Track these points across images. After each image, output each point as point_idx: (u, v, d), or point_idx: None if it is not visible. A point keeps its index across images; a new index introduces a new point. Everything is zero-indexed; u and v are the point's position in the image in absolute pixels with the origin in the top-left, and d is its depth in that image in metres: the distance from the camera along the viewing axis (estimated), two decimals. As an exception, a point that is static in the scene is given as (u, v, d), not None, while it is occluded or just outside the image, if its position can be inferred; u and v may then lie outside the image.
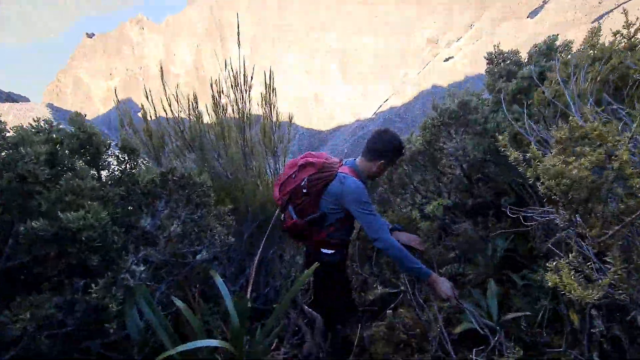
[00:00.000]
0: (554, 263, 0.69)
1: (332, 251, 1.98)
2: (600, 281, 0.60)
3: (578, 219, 0.73)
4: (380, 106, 42.50)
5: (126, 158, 1.40)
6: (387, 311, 2.47)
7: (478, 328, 1.75)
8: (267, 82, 2.32)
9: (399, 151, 1.97)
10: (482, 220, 2.44)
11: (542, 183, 0.71)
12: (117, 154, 1.38)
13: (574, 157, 0.69)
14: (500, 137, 0.92)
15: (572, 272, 0.64)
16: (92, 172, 1.32)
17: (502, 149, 0.90)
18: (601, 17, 35.41)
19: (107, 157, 1.37)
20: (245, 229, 2.31)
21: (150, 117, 2.35)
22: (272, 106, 2.41)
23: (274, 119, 2.45)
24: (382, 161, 1.92)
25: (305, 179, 1.87)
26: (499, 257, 2.13)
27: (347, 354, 2.31)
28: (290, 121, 2.49)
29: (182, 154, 2.40)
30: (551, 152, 0.83)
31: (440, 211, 1.96)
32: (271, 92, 2.37)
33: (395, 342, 2.11)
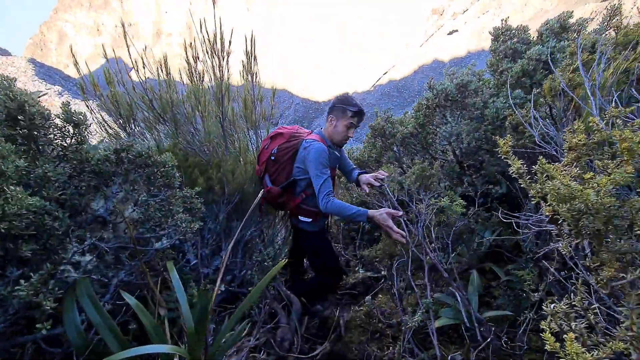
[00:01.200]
0: (552, 306, 0.57)
1: (310, 219, 2.10)
2: (607, 343, 0.48)
3: (587, 249, 0.61)
4: (379, 79, 41.36)
5: (71, 131, 1.21)
6: (366, 297, 2.43)
7: (457, 323, 1.70)
8: (249, 48, 2.08)
9: (344, 103, 2.02)
10: (471, 211, 2.34)
11: (550, 205, 0.57)
12: (60, 126, 1.19)
13: (590, 173, 0.55)
14: (500, 141, 0.76)
15: (575, 324, 0.52)
16: (26, 148, 1.13)
17: (502, 156, 0.74)
18: (613, -5, 33.94)
19: (48, 131, 1.18)
20: (220, 210, 2.17)
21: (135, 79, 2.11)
22: (254, 75, 2.18)
23: (257, 90, 2.23)
24: (331, 115, 2.05)
25: (275, 149, 2.03)
26: (485, 249, 2.06)
27: (323, 338, 2.28)
28: (274, 93, 2.27)
29: (153, 126, 2.19)
30: (560, 160, 0.69)
31: (459, 208, 1.83)
32: (252, 59, 2.13)
33: (371, 331, 2.08)
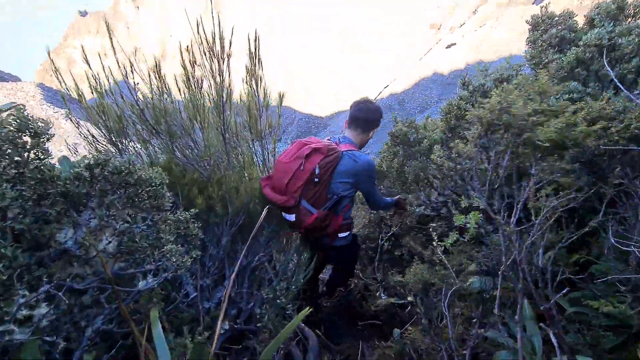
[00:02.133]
0: None
1: (347, 233, 2.04)
2: None
3: None
4: (380, 92, 41.69)
5: (28, 144, 0.94)
6: (395, 331, 2.09)
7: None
8: (252, 49, 1.84)
9: (380, 116, 2.07)
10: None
11: None
12: (14, 138, 0.92)
13: None
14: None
15: None
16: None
17: None
18: (609, 4, 34.30)
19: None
20: (223, 232, 1.88)
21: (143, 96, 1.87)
22: (259, 80, 1.94)
23: (261, 96, 1.98)
24: (375, 129, 2.06)
25: (316, 167, 1.81)
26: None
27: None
28: (281, 100, 2.02)
29: (147, 140, 1.94)
30: None
31: (475, 220, 1.53)
32: (257, 61, 1.89)
33: (405, 375, 1.74)
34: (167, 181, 1.19)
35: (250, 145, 2.21)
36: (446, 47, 44.21)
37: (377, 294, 2.59)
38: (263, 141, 2.18)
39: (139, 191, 1.12)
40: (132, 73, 1.73)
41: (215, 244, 1.90)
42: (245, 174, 2.22)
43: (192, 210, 1.33)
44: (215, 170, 2.02)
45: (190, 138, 2.04)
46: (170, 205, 1.28)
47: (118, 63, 1.84)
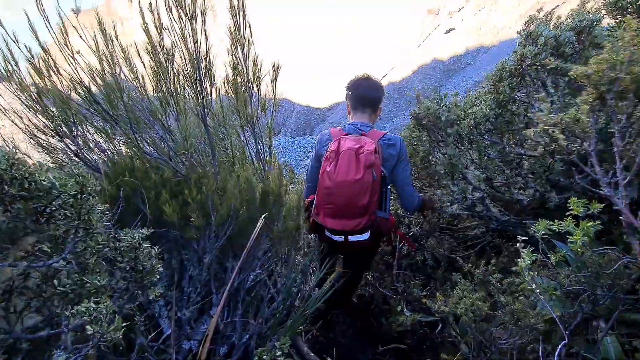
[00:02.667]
0: None
1: (385, 211, 1.81)
2: None
3: None
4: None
5: None
6: (429, 363, 1.66)
7: None
8: (235, 4, 1.37)
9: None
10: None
11: None
12: None
13: None
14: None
15: None
16: None
17: None
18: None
19: None
20: (207, 248, 1.43)
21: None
22: (246, 46, 1.47)
23: (250, 70, 1.52)
24: (381, 106, 1.88)
25: (382, 170, 1.66)
26: (624, 288, 1.31)
27: None
28: (277, 73, 1.55)
29: (101, 129, 1.49)
30: None
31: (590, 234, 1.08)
32: (241, 19, 1.41)
33: None
34: (97, 188, 0.74)
35: (241, 135, 1.75)
36: (445, 33, 43.38)
37: (399, 309, 2.17)
38: (256, 129, 1.73)
39: (44, 206, 0.67)
40: (67, 45, 1.26)
41: (196, 263, 1.46)
42: (236, 171, 1.77)
43: (144, 230, 0.88)
44: (196, 167, 1.56)
45: (163, 126, 1.58)
46: (109, 222, 0.84)
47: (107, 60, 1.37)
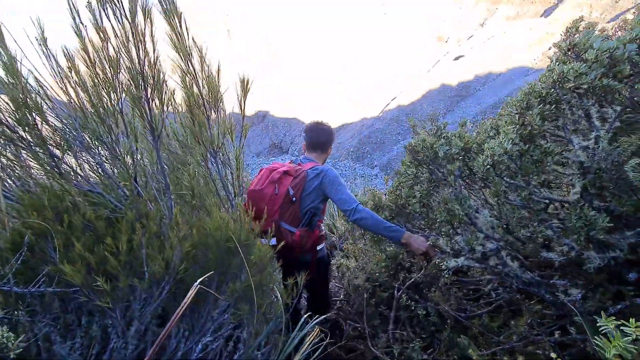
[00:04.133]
0: None
1: (322, 244, 2.14)
2: None
3: None
4: (388, 104, 41.40)
5: None
6: None
7: None
8: (168, 5, 1.09)
9: (333, 136, 2.32)
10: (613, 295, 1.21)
11: None
12: None
13: None
14: None
15: None
16: None
17: None
18: (617, 16, 33.97)
19: None
20: (134, 314, 1.09)
21: None
22: (196, 56, 1.16)
23: (202, 87, 1.21)
24: (331, 148, 2.27)
25: (289, 188, 1.92)
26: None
27: None
28: (247, 88, 1.24)
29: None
30: None
31: None
32: (180, 25, 1.12)
33: None
34: None
35: (200, 162, 1.44)
36: (454, 59, 44.07)
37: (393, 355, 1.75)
38: (218, 155, 1.41)
39: None
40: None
41: (119, 334, 1.10)
42: (195, 209, 1.44)
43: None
44: (140, 203, 1.24)
45: (106, 148, 1.28)
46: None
47: None
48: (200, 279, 0.94)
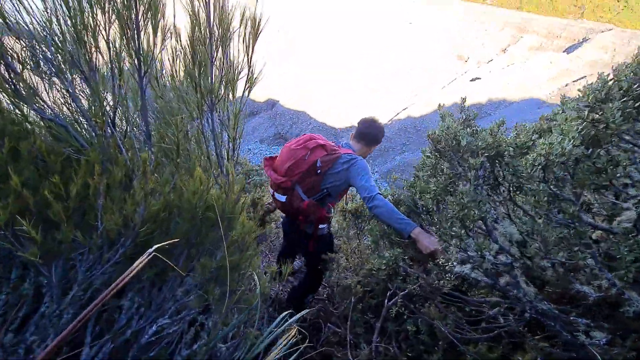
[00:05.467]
0: None
1: (326, 224, 2.19)
2: None
3: None
4: (398, 113, 41.31)
5: None
6: None
7: None
8: None
9: (379, 135, 2.30)
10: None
11: None
12: None
13: None
14: None
15: None
16: None
17: None
18: (640, 65, 33.86)
19: None
20: (79, 273, 0.87)
21: None
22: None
23: (214, 18, 1.00)
24: (363, 142, 2.26)
25: (318, 160, 1.98)
26: None
27: None
28: (257, 32, 1.03)
29: None
30: None
31: None
32: None
33: None
34: None
35: (195, 114, 1.22)
36: (470, 80, 44.06)
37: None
38: (217, 109, 1.20)
39: None
40: None
41: (54, 298, 0.88)
42: (179, 166, 1.22)
43: None
44: (108, 146, 1.03)
45: (81, 74, 1.06)
46: None
47: None
48: (158, 245, 0.73)
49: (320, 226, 2.14)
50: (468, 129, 1.26)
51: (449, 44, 45.97)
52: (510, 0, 49.85)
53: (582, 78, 36.37)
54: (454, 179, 1.36)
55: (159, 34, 1.03)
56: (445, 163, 1.44)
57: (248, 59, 1.08)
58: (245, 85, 1.14)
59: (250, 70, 1.10)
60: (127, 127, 1.21)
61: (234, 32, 1.01)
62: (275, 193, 2.11)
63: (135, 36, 1.00)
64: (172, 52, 1.12)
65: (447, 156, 1.39)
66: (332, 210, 2.22)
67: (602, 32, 42.12)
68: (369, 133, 2.24)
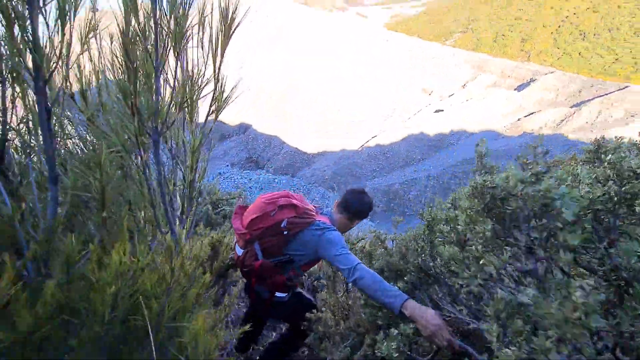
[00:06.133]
0: None
1: (285, 294, 1.94)
2: None
3: None
4: (368, 141, 42.46)
5: None
6: None
7: None
8: None
9: (366, 210, 2.04)
10: None
11: None
12: None
13: None
14: None
15: None
16: None
17: None
18: (579, 104, 38.14)
19: None
20: None
21: None
22: None
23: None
24: (357, 220, 2.04)
25: (285, 220, 1.79)
26: None
27: None
28: (228, 20, 0.68)
29: None
30: None
31: None
32: None
33: None
34: None
35: (129, 146, 0.81)
36: (434, 111, 46.91)
37: None
38: (166, 140, 0.80)
39: None
40: None
41: None
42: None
43: None
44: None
45: None
46: None
47: None
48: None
49: (278, 294, 1.91)
50: (543, 183, 0.88)
51: (416, 76, 49.04)
52: (466, 42, 54.86)
53: (531, 114, 39.97)
54: (498, 235, 0.99)
55: (72, 19, 0.64)
56: (490, 226, 1.04)
57: (214, 70, 0.71)
58: (211, 105, 0.76)
59: (220, 84, 0.73)
60: (20, 162, 0.78)
61: (195, 27, 0.65)
62: (236, 244, 1.95)
63: (30, 21, 0.60)
64: (100, 52, 0.73)
65: (498, 219, 0.99)
66: (298, 279, 2.00)
67: (546, 74, 47.14)
68: (356, 206, 1.99)
